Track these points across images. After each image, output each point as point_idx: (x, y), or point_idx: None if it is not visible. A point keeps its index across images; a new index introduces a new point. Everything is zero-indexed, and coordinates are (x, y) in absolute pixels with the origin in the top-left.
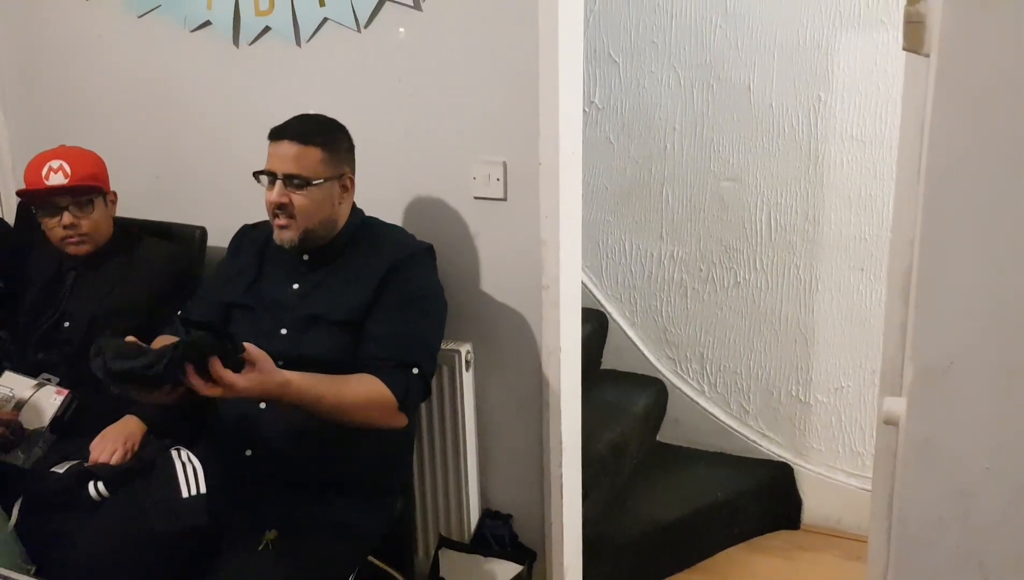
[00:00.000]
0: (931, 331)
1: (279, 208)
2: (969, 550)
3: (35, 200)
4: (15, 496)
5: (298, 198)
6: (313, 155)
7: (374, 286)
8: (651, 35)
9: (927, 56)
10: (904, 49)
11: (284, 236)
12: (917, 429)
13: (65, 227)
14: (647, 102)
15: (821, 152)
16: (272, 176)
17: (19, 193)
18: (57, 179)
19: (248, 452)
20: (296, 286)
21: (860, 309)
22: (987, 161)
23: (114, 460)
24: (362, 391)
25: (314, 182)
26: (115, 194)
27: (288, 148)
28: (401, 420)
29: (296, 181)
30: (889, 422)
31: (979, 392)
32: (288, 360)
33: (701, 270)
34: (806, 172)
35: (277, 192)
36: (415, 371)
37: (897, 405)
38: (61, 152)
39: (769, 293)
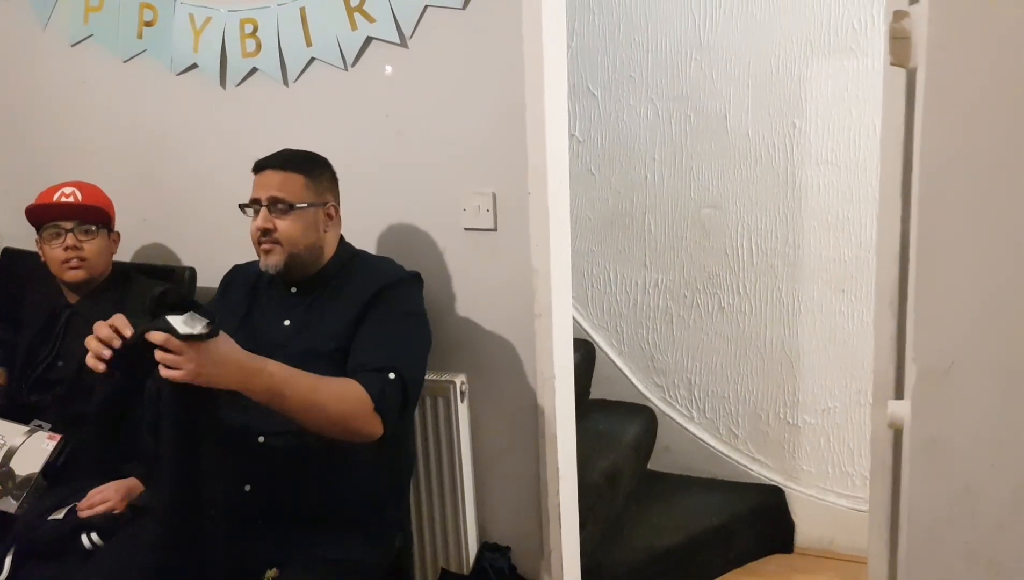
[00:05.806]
0: (932, 333)
1: (264, 233)
2: (979, 547)
3: (44, 215)
4: (7, 545)
5: (282, 223)
6: (296, 180)
7: (359, 310)
8: (628, 69)
9: (914, 69)
10: (891, 64)
11: (270, 260)
12: (922, 429)
13: (67, 249)
14: (626, 134)
15: (798, 177)
16: (256, 203)
17: (28, 209)
18: (68, 200)
19: (247, 488)
20: (287, 322)
21: (843, 330)
22: (978, 164)
23: (102, 509)
24: (337, 387)
25: (298, 206)
26: (118, 235)
27: (271, 176)
28: (377, 427)
29: (280, 205)
30: (893, 425)
31: (981, 390)
32: None
33: (685, 297)
34: (784, 197)
35: (262, 217)
36: (391, 375)
37: (901, 407)
38: (74, 183)
39: (753, 317)
